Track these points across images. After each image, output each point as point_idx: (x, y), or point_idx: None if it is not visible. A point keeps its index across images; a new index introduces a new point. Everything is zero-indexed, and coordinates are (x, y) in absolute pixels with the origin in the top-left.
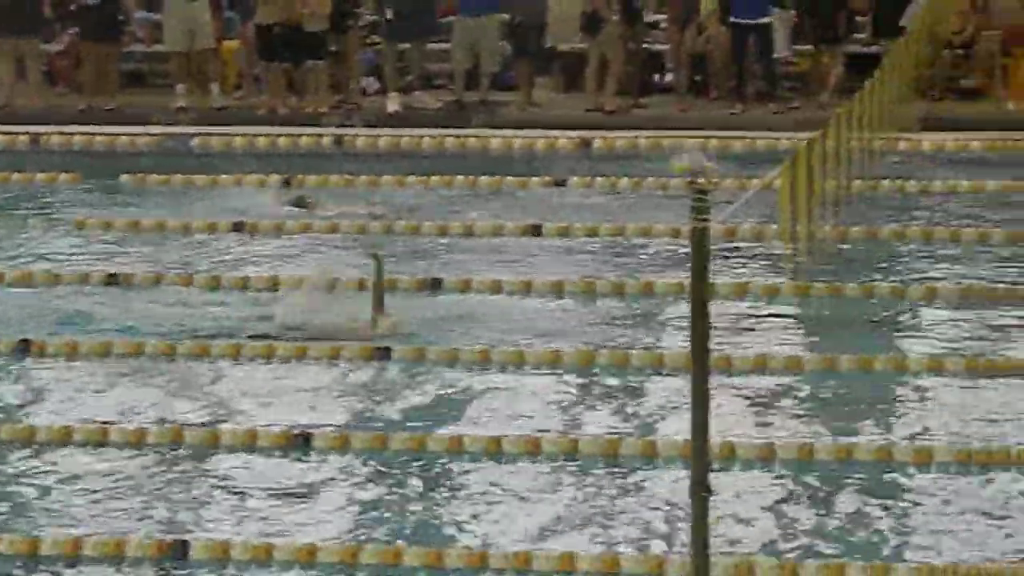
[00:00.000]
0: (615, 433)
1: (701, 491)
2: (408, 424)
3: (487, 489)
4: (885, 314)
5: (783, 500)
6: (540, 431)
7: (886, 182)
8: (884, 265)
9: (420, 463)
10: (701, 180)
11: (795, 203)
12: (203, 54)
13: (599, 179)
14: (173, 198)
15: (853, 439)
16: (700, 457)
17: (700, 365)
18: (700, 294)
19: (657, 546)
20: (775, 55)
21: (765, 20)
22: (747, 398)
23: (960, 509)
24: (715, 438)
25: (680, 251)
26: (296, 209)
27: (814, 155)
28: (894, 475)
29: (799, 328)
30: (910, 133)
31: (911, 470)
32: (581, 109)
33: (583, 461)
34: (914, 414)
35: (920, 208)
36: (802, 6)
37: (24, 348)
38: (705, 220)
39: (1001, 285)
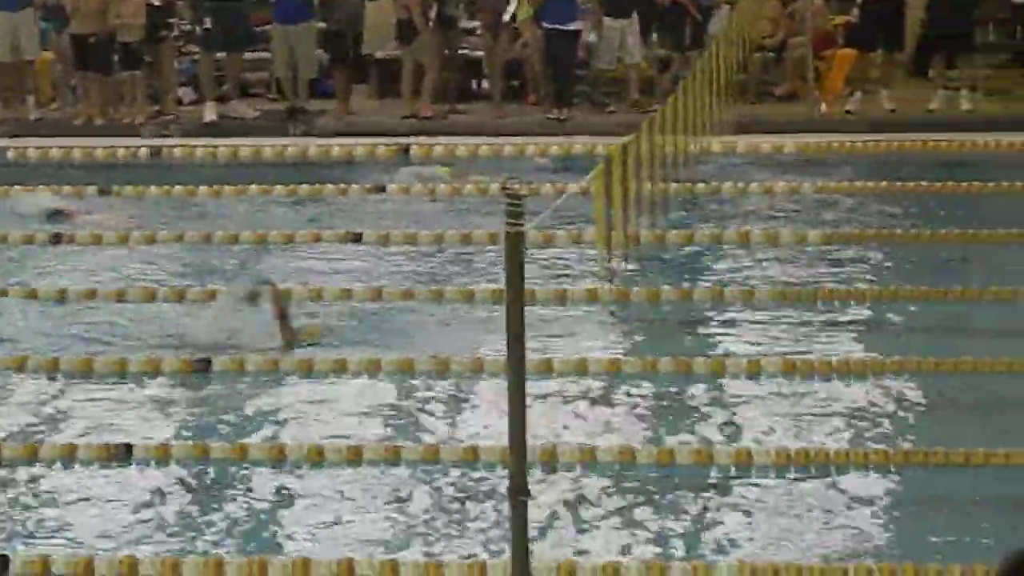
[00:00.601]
0: (436, 439)
1: (519, 495)
2: (230, 433)
3: (309, 497)
4: (703, 316)
5: (604, 502)
6: (361, 438)
7: (702, 185)
8: (701, 267)
9: (242, 471)
10: (515, 185)
11: (610, 207)
12: (24, 65)
13: (417, 185)
14: None
15: (674, 441)
16: (518, 461)
17: (516, 370)
18: (515, 299)
19: (479, 551)
20: (607, 60)
21: (574, 27)
22: (567, 401)
23: (779, 509)
24: (535, 442)
25: (499, 256)
26: (56, 216)
27: (628, 158)
28: (717, 476)
29: (618, 331)
30: (725, 136)
31: (732, 471)
32: (398, 116)
33: (404, 467)
34: (732, 416)
35: (736, 210)
36: (650, 14)
37: None
38: (519, 225)
39: (817, 286)
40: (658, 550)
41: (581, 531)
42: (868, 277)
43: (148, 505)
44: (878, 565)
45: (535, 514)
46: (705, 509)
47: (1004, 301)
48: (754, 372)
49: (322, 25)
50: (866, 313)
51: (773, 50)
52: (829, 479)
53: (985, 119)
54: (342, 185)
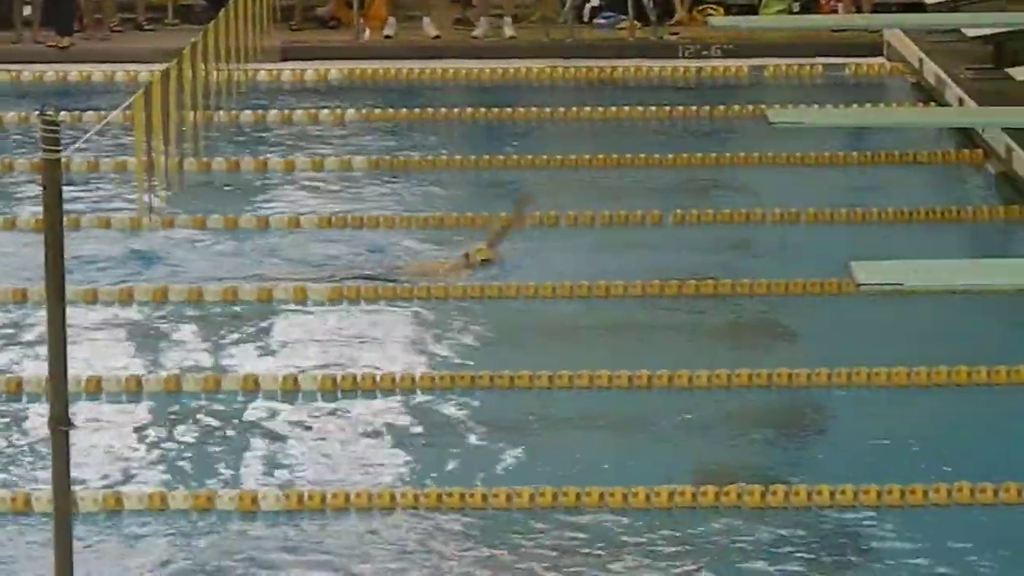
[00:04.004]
0: None
1: (60, 425)
2: None
3: None
4: (250, 243)
5: (151, 432)
6: None
7: (247, 112)
8: (247, 195)
9: None
10: (50, 112)
11: (150, 135)
12: None
13: None
14: None
15: (220, 370)
16: (57, 391)
17: (55, 298)
18: (54, 227)
19: (24, 482)
20: None
21: None
22: (115, 329)
23: (325, 435)
24: (81, 372)
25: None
26: None
27: (169, 86)
28: (263, 403)
29: (165, 260)
30: (270, 63)
31: (280, 397)
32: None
33: None
34: (281, 342)
35: (282, 138)
36: None
37: None
38: (55, 152)
39: (364, 212)
40: (210, 478)
41: (127, 461)
42: (416, 202)
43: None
44: (424, 491)
45: (83, 444)
46: (251, 437)
47: (547, 226)
48: (301, 299)
49: None
50: (413, 238)
51: None
52: (380, 403)
53: (527, 45)
54: None
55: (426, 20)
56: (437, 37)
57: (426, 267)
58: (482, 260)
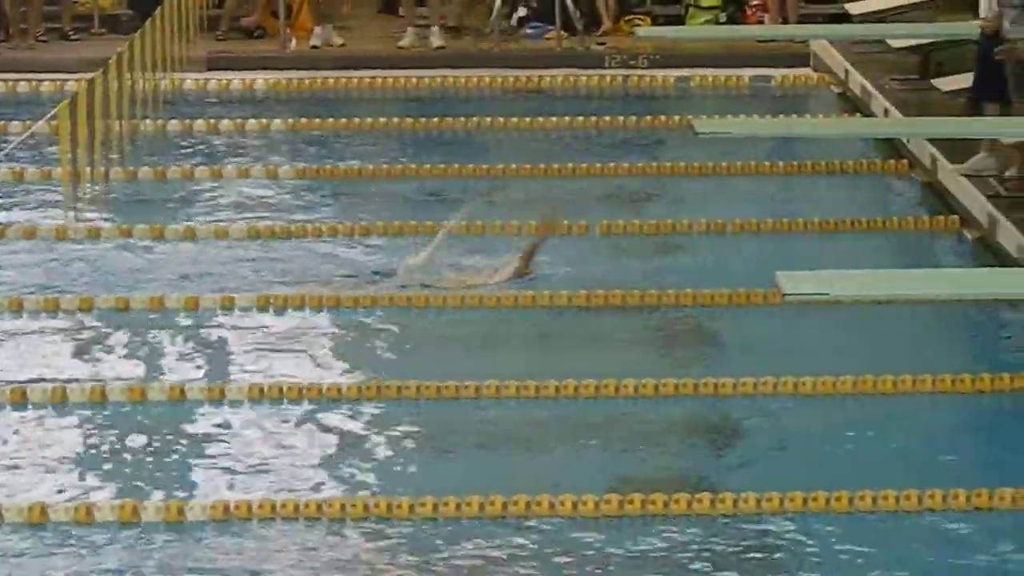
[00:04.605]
0: None
1: None
2: None
3: None
4: (176, 255)
5: (76, 443)
6: None
7: (174, 122)
8: (174, 205)
9: None
10: None
11: (76, 145)
12: None
13: None
14: None
15: (146, 379)
16: None
17: None
18: None
19: None
20: None
21: None
22: (41, 338)
23: (252, 445)
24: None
25: None
26: None
27: (95, 95)
28: (190, 413)
29: (89, 268)
30: (196, 73)
31: (206, 407)
32: None
33: None
34: (208, 351)
35: (209, 147)
36: None
37: None
38: None
39: (292, 221)
40: (135, 487)
41: (51, 472)
42: (342, 212)
43: None
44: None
45: (7, 455)
46: (178, 447)
47: (473, 235)
48: (228, 306)
49: None
50: (342, 247)
51: None
52: (303, 413)
53: (455, 55)
54: None
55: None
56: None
57: (466, 277)
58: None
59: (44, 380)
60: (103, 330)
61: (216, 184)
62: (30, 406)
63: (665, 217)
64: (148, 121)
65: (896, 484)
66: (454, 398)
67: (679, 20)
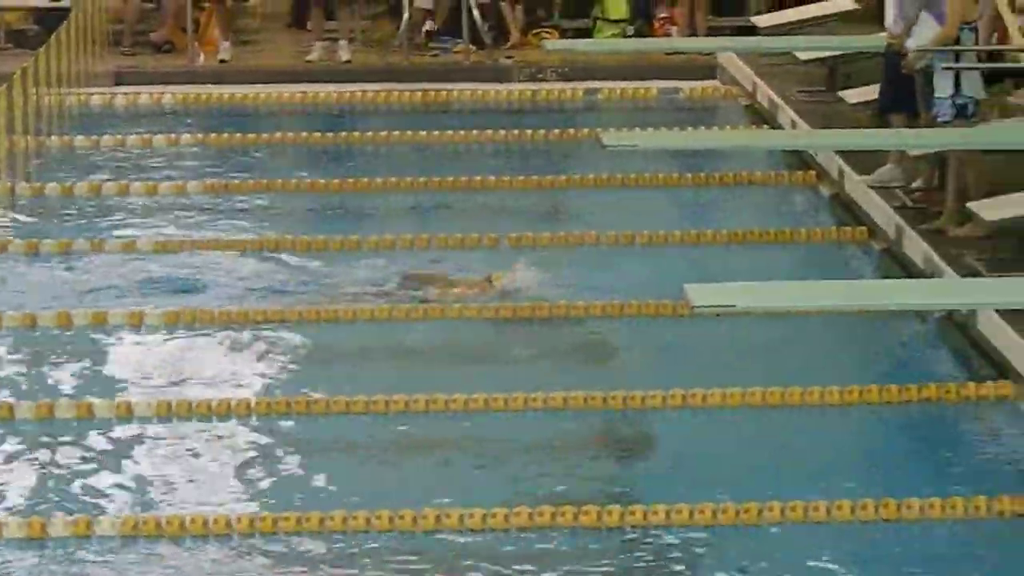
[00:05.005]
0: None
1: None
2: None
3: None
4: (83, 271)
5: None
6: None
7: (81, 137)
8: (82, 221)
9: None
10: None
11: None
12: None
13: None
14: None
15: (54, 397)
16: None
17: None
18: None
19: None
20: None
21: None
22: None
23: (161, 461)
24: None
25: None
26: None
27: (0, 110)
28: (97, 429)
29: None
30: (103, 88)
31: (114, 423)
32: None
33: None
34: (115, 367)
35: (117, 163)
36: None
37: None
38: None
39: (201, 236)
40: (45, 504)
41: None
42: (251, 227)
43: None
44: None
45: None
46: (86, 463)
47: (382, 250)
48: (136, 322)
49: None
50: (249, 262)
51: None
52: (213, 429)
53: (363, 69)
54: None
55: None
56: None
57: (450, 289)
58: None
59: None
60: (9, 347)
61: (124, 200)
62: None
63: (573, 230)
64: (55, 137)
65: (804, 495)
66: (363, 412)
67: (587, 33)
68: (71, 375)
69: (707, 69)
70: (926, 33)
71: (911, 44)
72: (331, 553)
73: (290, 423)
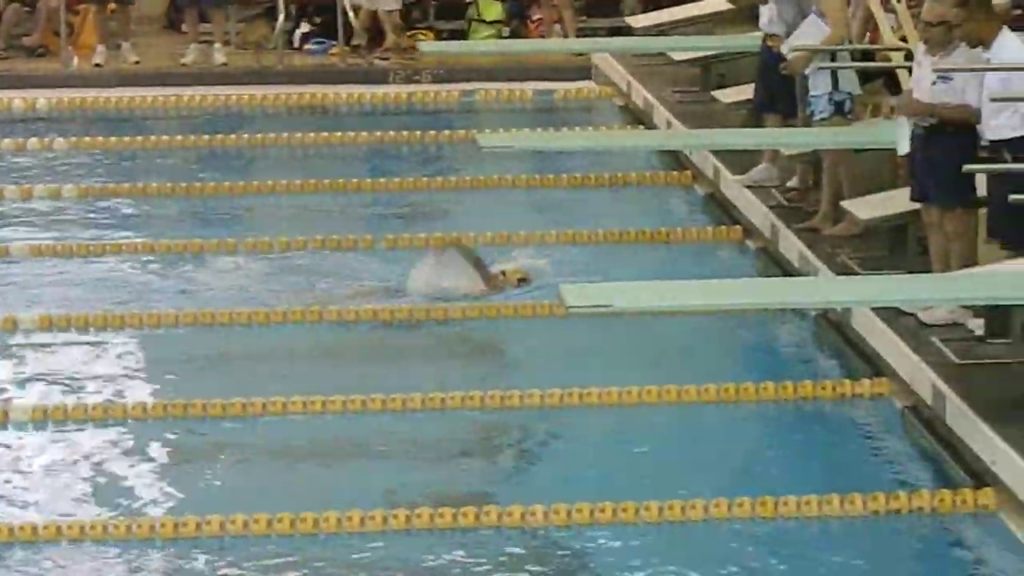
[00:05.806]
0: None
1: None
2: None
3: None
4: None
5: None
6: None
7: None
8: None
9: None
10: None
11: None
12: None
13: None
14: None
15: None
16: None
17: None
18: None
19: None
20: None
21: None
22: None
23: (37, 467)
24: None
25: None
26: None
27: None
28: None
29: None
30: None
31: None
32: None
33: None
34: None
35: None
36: None
37: None
38: None
39: (77, 240)
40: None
41: None
42: (126, 232)
43: None
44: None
45: None
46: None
47: (259, 252)
48: (11, 328)
49: None
50: (126, 266)
51: (26, 2)
52: (91, 434)
53: (238, 71)
54: None
55: (124, 46)
56: (137, 63)
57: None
58: (518, 280)
59: None
60: None
61: None
62: None
63: (450, 230)
64: None
65: (684, 494)
66: (240, 416)
67: (462, 35)
68: None
69: (582, 70)
70: (813, 33)
71: (790, 44)
72: (208, 556)
73: (176, 427)
